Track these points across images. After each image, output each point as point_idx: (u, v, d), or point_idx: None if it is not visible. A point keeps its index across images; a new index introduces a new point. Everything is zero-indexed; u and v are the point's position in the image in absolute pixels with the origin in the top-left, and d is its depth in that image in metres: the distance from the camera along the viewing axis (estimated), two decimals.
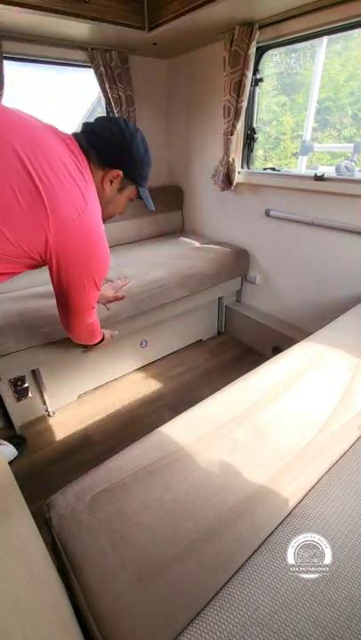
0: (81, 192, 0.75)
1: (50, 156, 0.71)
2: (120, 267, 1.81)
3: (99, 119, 0.85)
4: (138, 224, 2.27)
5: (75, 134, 0.83)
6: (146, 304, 1.61)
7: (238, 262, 2.01)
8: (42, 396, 1.53)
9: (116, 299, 1.45)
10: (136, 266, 1.77)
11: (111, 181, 0.87)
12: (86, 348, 1.32)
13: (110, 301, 1.44)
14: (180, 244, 2.24)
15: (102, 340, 1.23)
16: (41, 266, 0.81)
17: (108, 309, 1.42)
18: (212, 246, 2.04)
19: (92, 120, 0.85)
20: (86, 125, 0.84)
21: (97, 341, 1.20)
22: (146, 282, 1.61)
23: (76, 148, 0.79)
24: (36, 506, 0.67)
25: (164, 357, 1.97)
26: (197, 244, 2.15)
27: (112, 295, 1.44)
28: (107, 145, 0.82)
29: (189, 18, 1.44)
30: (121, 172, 0.85)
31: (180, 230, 2.54)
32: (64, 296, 0.88)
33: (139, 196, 0.96)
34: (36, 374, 1.46)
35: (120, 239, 2.22)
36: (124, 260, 1.94)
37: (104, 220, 0.91)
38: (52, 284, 0.85)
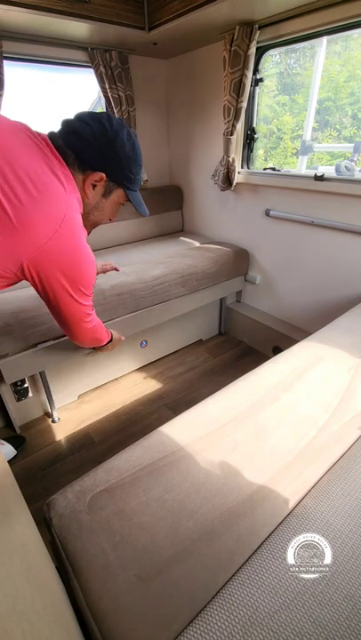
0: (56, 204, 0.68)
1: (18, 168, 0.64)
2: (120, 266, 1.81)
3: (79, 115, 0.75)
4: (137, 224, 2.27)
5: (51, 134, 0.75)
6: (146, 301, 1.61)
7: (238, 262, 2.01)
8: (42, 395, 1.53)
9: (110, 269, 1.34)
10: (136, 264, 1.77)
11: (94, 185, 0.78)
12: (93, 350, 1.29)
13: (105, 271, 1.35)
14: (180, 243, 2.24)
15: (111, 339, 1.19)
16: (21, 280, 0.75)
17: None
18: (212, 246, 2.04)
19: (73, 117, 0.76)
20: (65, 124, 0.75)
21: (105, 342, 1.16)
22: (146, 279, 1.61)
23: (51, 151, 0.71)
24: (36, 506, 0.67)
25: (164, 357, 1.97)
26: (197, 244, 2.16)
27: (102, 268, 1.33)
28: (86, 145, 0.73)
29: (189, 18, 1.44)
30: (104, 175, 0.77)
31: (180, 230, 2.54)
32: (56, 310, 0.83)
33: (129, 201, 0.87)
34: (35, 374, 1.46)
35: (120, 239, 2.22)
36: (124, 259, 1.94)
37: (89, 228, 0.86)
38: (41, 298, 0.80)
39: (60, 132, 0.75)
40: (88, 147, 0.73)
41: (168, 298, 1.70)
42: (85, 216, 0.82)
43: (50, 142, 0.72)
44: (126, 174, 0.80)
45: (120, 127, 0.76)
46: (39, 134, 0.73)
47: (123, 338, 1.32)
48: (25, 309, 1.27)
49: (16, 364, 1.28)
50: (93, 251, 2.28)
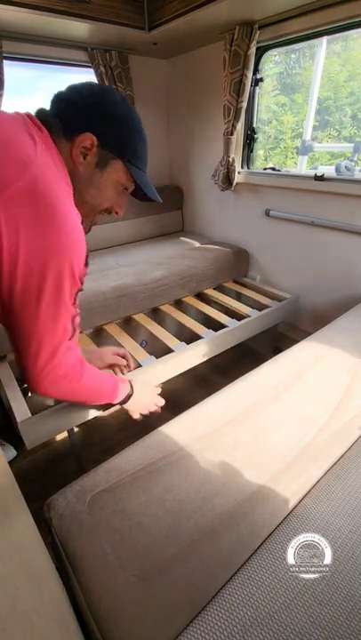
0: (24, 149, 0.55)
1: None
2: (120, 266, 1.80)
3: (69, 86, 0.65)
4: (137, 224, 2.27)
5: (37, 111, 0.65)
6: (146, 303, 1.61)
7: (238, 262, 2.00)
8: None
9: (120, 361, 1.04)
10: (137, 265, 1.77)
11: (84, 154, 0.64)
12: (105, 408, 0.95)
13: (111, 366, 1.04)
14: (180, 243, 2.24)
15: (130, 394, 0.87)
16: None
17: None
18: (211, 246, 2.04)
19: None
20: (54, 96, 0.65)
21: (114, 397, 0.84)
22: (146, 280, 1.61)
23: (31, 119, 0.61)
24: (36, 506, 0.67)
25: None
26: (197, 244, 2.16)
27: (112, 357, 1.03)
28: (72, 106, 0.62)
29: (189, 18, 1.44)
30: (94, 138, 0.62)
31: (180, 230, 2.54)
32: (18, 316, 0.58)
33: (134, 184, 0.70)
34: None
35: (119, 239, 2.22)
36: (124, 259, 1.94)
37: (86, 212, 0.69)
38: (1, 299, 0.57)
39: (50, 104, 0.65)
40: (74, 107, 0.63)
41: (168, 300, 1.69)
42: (79, 195, 0.66)
43: (31, 114, 0.63)
44: (122, 139, 0.66)
45: (110, 87, 0.68)
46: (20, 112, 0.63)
47: (158, 395, 0.98)
48: None
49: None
50: (92, 250, 2.25)
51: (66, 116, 0.62)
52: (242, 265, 2.03)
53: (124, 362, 1.06)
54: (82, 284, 0.64)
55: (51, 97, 0.66)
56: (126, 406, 0.91)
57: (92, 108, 0.63)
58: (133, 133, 0.68)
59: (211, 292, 1.87)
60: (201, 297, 1.87)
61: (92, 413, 1.05)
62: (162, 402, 0.99)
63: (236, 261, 1.98)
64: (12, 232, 0.52)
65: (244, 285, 2.00)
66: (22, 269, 0.54)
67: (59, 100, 0.64)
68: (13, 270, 0.54)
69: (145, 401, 0.94)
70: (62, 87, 0.66)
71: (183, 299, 1.77)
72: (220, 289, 1.94)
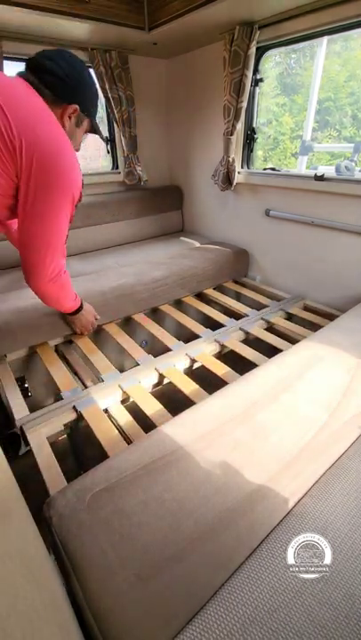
0: (40, 105, 0.79)
1: (4, 79, 0.78)
2: (120, 266, 1.80)
3: (42, 54, 0.85)
4: (138, 224, 2.27)
5: (21, 74, 0.84)
6: (146, 303, 1.61)
7: (238, 262, 2.00)
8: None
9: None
10: (137, 265, 1.77)
11: (70, 117, 0.89)
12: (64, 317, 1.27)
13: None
14: (180, 243, 2.24)
15: (80, 308, 1.20)
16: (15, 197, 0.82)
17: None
18: (211, 246, 2.04)
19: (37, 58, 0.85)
20: (33, 62, 0.83)
21: (71, 306, 1.16)
22: (146, 280, 1.61)
23: (28, 85, 0.81)
24: (36, 505, 0.67)
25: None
26: (197, 244, 2.16)
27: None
28: (61, 81, 0.83)
29: (189, 18, 1.44)
30: (77, 107, 0.87)
31: (180, 230, 2.54)
32: (31, 221, 0.85)
33: (92, 129, 0.99)
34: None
35: (120, 239, 2.21)
36: (124, 259, 1.93)
37: None
38: (19, 209, 0.83)
39: (29, 70, 0.84)
40: (62, 83, 0.83)
41: (168, 300, 1.69)
42: None
43: (23, 79, 0.82)
44: (92, 103, 0.93)
45: (80, 62, 0.88)
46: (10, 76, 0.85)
47: (97, 317, 1.33)
48: (28, 308, 1.28)
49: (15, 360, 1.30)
50: (92, 250, 2.25)
51: (55, 89, 0.83)
52: (242, 265, 2.03)
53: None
54: (75, 207, 0.92)
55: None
56: (72, 318, 1.27)
57: (77, 85, 0.85)
58: (95, 97, 0.94)
59: (210, 291, 1.87)
60: (201, 297, 1.87)
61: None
62: (94, 322, 1.36)
63: (235, 261, 1.98)
64: (32, 173, 0.78)
65: (244, 285, 2.00)
66: (36, 194, 0.80)
67: (43, 71, 0.82)
68: (29, 196, 0.80)
69: (86, 319, 1.30)
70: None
71: (183, 299, 1.78)
72: (219, 289, 1.94)
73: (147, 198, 2.29)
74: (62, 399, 1.10)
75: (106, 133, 1.35)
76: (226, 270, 1.93)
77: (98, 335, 1.53)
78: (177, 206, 2.47)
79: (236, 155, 1.86)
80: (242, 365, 1.24)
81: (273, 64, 1.95)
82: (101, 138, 1.04)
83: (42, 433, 0.98)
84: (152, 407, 1.06)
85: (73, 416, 1.05)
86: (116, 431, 0.99)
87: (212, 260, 1.87)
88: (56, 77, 0.82)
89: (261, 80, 1.73)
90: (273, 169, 1.79)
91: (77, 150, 1.00)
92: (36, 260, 0.92)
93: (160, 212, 2.36)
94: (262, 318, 1.58)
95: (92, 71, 0.94)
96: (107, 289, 1.49)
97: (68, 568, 0.57)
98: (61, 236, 0.91)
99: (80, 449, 1.19)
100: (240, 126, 1.75)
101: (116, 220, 2.15)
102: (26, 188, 0.80)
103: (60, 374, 1.22)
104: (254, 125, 1.83)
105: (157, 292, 1.63)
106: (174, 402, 1.12)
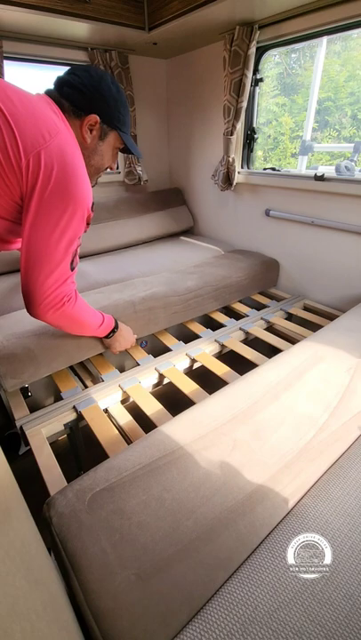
0: (52, 120, 0.76)
1: (20, 94, 0.74)
2: (143, 274, 1.67)
3: (67, 70, 0.84)
4: (138, 225, 2.21)
5: (48, 91, 0.84)
6: (179, 316, 1.47)
7: (269, 272, 1.86)
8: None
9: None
10: (163, 274, 1.62)
11: (90, 130, 0.85)
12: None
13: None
14: (192, 247, 2.14)
15: (114, 329, 1.12)
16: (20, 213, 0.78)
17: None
18: (238, 255, 1.91)
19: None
20: (57, 79, 0.84)
21: (96, 334, 1.08)
22: (180, 290, 1.46)
23: (49, 100, 0.81)
24: (36, 505, 0.67)
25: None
26: (221, 251, 2.05)
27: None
28: (77, 91, 0.81)
29: (189, 18, 1.44)
30: (97, 117, 0.84)
31: (179, 231, 2.53)
32: (32, 238, 0.77)
33: (124, 145, 0.93)
34: None
35: (120, 242, 2.11)
36: (144, 266, 1.78)
37: (93, 176, 0.92)
38: (24, 227, 0.77)
39: (55, 86, 0.84)
40: (80, 93, 0.81)
41: (202, 313, 1.56)
42: (87, 161, 0.86)
43: (48, 97, 0.82)
44: (117, 115, 0.87)
45: (103, 73, 0.85)
46: (38, 93, 0.83)
47: (134, 337, 1.24)
48: (47, 331, 1.12)
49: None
50: (99, 254, 2.14)
51: (73, 99, 0.82)
52: (272, 275, 1.89)
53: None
54: (88, 225, 0.86)
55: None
56: (109, 341, 1.17)
57: (94, 93, 0.82)
58: (123, 108, 0.88)
59: (238, 305, 1.72)
60: (228, 310, 1.74)
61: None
62: (134, 341, 1.27)
63: (266, 271, 1.84)
64: (37, 190, 0.73)
65: (272, 297, 1.87)
66: (39, 209, 0.75)
67: (62, 83, 0.82)
68: (31, 209, 0.75)
69: (125, 339, 1.21)
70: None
71: (211, 314, 1.63)
72: (246, 301, 1.80)
73: (148, 199, 2.25)
74: (62, 399, 1.10)
75: None
76: (257, 282, 1.79)
77: None
78: (180, 203, 2.39)
79: (236, 155, 1.86)
80: (242, 365, 1.24)
81: (273, 64, 1.95)
82: (136, 154, 0.97)
83: (42, 433, 0.98)
84: (152, 407, 1.06)
85: (73, 416, 1.05)
86: (116, 431, 0.98)
87: (244, 269, 1.73)
88: (73, 87, 0.81)
89: (261, 80, 1.73)
90: (273, 169, 1.79)
91: (111, 169, 0.98)
92: (33, 284, 0.82)
93: (159, 211, 2.30)
94: (262, 318, 1.58)
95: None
96: (137, 299, 1.34)
97: (67, 568, 0.57)
98: (63, 257, 0.82)
99: (80, 449, 1.19)
100: (240, 126, 1.75)
101: (115, 219, 2.08)
102: (28, 207, 0.76)
103: (60, 374, 1.22)
104: (254, 125, 1.83)
105: (191, 305, 1.48)
106: (174, 402, 1.12)
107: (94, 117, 0.83)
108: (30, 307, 0.86)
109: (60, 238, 0.78)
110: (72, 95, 0.81)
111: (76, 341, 1.14)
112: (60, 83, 0.83)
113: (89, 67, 0.86)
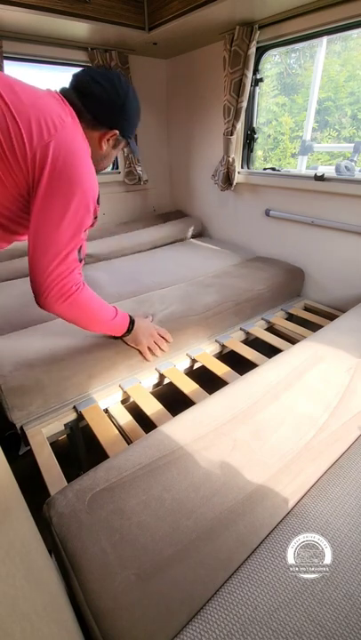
0: (58, 114, 0.75)
1: (27, 90, 0.74)
2: (157, 285, 1.59)
3: (92, 75, 0.81)
4: (148, 234, 2.17)
5: (63, 90, 0.82)
6: (198, 339, 1.34)
7: (293, 282, 1.74)
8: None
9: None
10: (180, 287, 1.51)
11: (108, 140, 0.88)
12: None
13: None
14: (199, 248, 2.09)
15: (130, 327, 1.05)
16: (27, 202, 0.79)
17: None
18: (259, 264, 1.80)
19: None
20: (79, 82, 0.81)
21: (111, 328, 1.02)
22: (198, 309, 1.34)
23: (61, 98, 0.80)
24: (36, 505, 0.67)
25: None
26: (230, 252, 1.99)
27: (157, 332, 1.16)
28: (103, 107, 0.82)
29: (189, 18, 1.44)
30: (118, 132, 0.87)
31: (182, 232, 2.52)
32: (39, 225, 0.77)
33: (127, 145, 0.97)
34: None
35: (122, 247, 2.04)
36: (159, 276, 1.67)
37: (97, 171, 0.92)
38: (31, 216, 0.78)
39: (73, 89, 0.82)
40: (105, 109, 0.82)
41: (222, 332, 1.42)
42: (95, 164, 0.88)
43: (60, 95, 0.81)
44: (133, 129, 0.91)
45: (127, 87, 0.84)
46: (50, 90, 0.82)
47: (165, 336, 1.16)
48: (57, 355, 1.05)
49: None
50: (111, 258, 2.04)
51: (97, 114, 0.82)
52: (297, 285, 1.76)
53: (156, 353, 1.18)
54: (95, 218, 0.86)
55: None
56: (130, 340, 1.10)
57: (120, 113, 0.84)
58: (138, 120, 0.92)
59: (259, 327, 1.52)
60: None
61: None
62: (165, 332, 1.19)
63: (292, 281, 1.72)
64: (44, 180, 0.74)
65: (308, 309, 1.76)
66: (47, 197, 0.75)
67: (88, 94, 0.80)
68: (39, 198, 0.75)
69: (147, 331, 1.13)
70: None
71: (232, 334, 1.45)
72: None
73: (157, 217, 2.25)
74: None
75: None
76: (280, 293, 1.66)
77: None
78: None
79: (236, 155, 1.86)
80: (242, 365, 1.24)
81: (273, 64, 1.94)
82: (136, 155, 1.03)
83: (42, 433, 0.98)
84: (152, 407, 1.06)
85: (73, 416, 1.05)
86: (117, 431, 0.98)
87: (266, 280, 1.61)
88: (99, 102, 0.81)
89: (261, 80, 1.73)
90: (273, 169, 1.79)
91: (107, 166, 0.99)
92: (42, 272, 0.81)
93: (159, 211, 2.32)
94: (262, 318, 1.57)
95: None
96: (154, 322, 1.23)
97: (68, 568, 0.57)
98: (70, 244, 0.81)
99: (80, 449, 1.18)
100: (240, 126, 1.75)
101: (114, 218, 2.10)
102: (35, 196, 0.76)
103: None
104: (254, 125, 1.83)
105: (211, 324, 1.35)
106: (174, 402, 1.11)
107: (115, 133, 0.86)
108: (39, 297, 0.83)
109: (67, 226, 0.78)
110: (96, 109, 0.81)
111: (87, 371, 1.07)
112: (81, 89, 0.81)
113: (112, 74, 0.83)
